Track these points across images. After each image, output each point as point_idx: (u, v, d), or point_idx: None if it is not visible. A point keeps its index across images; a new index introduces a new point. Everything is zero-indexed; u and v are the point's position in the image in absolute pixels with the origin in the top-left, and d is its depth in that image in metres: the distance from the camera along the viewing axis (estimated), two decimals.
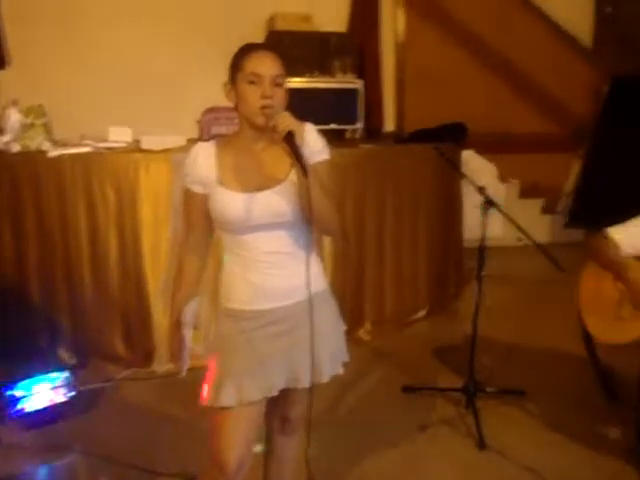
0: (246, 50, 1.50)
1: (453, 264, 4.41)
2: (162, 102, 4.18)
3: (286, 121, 1.39)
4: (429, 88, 5.86)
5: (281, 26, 5.34)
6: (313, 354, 1.54)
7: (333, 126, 5.40)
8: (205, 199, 1.54)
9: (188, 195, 1.57)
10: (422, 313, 3.93)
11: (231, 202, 1.49)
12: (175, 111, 4.00)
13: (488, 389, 2.78)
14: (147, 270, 3.07)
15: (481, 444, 2.42)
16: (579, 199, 6.15)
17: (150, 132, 3.26)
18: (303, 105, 5.12)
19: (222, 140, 1.59)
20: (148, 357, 3.10)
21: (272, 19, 5.38)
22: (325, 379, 1.64)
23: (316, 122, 5.88)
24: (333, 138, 5.20)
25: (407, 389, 2.89)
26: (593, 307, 2.40)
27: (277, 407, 1.70)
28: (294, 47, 5.33)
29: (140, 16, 4.44)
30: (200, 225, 1.60)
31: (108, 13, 4.41)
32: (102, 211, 3.06)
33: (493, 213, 2.68)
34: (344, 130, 5.42)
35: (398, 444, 2.47)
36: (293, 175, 1.50)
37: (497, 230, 6.49)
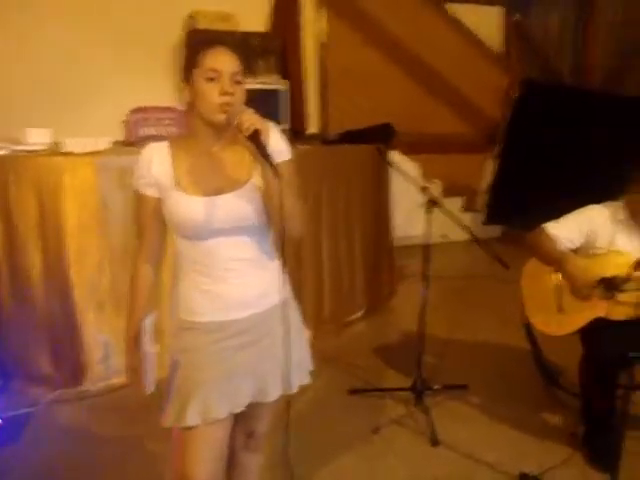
0: (202, 46, 1.40)
1: (386, 263, 4.47)
2: (83, 102, 3.94)
3: (251, 119, 1.31)
4: (350, 89, 5.93)
5: (201, 24, 5.18)
6: (289, 362, 1.48)
7: None
8: (159, 203, 1.44)
9: (141, 199, 1.45)
10: (360, 313, 3.95)
11: (190, 206, 1.39)
12: (97, 112, 3.78)
13: (434, 386, 2.81)
14: (74, 280, 2.84)
15: (434, 441, 2.44)
16: (494, 197, 6.44)
17: (71, 134, 3.04)
18: None
19: (176, 141, 1.48)
20: (78, 375, 2.87)
21: (192, 17, 5.21)
22: (294, 389, 1.58)
23: None
24: None
25: (354, 392, 2.87)
26: (536, 301, 2.49)
27: (241, 422, 1.60)
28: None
29: (59, 15, 4.19)
30: (153, 231, 1.49)
31: (25, 13, 4.10)
32: (21, 218, 2.80)
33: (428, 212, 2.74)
34: None
35: (353, 447, 2.45)
36: (255, 177, 1.43)
37: (421, 228, 6.72)
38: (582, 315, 2.33)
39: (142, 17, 4.70)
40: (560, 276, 2.41)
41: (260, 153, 1.31)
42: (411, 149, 6.14)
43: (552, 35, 6.40)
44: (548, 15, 6.42)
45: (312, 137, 5.64)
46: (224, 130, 1.42)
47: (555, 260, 2.41)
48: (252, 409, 1.54)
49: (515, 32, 6.70)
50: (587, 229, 2.41)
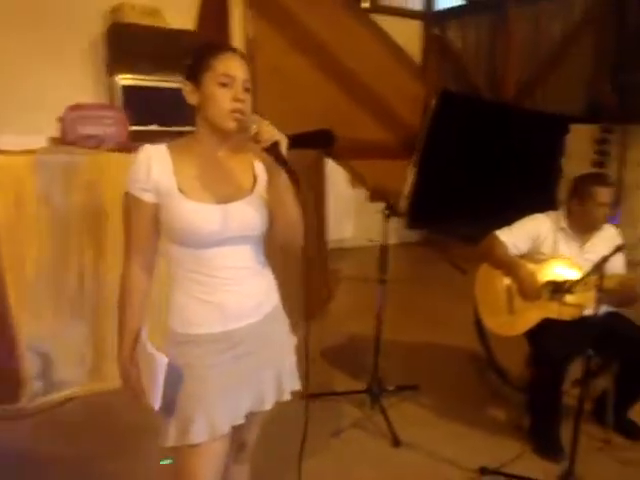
0: (214, 50, 1.36)
1: (323, 267, 4.51)
2: (12, 99, 3.62)
3: (271, 130, 1.29)
4: (278, 92, 5.92)
5: (127, 18, 4.96)
6: (283, 369, 1.50)
7: (187, 128, 5.19)
8: (155, 209, 1.37)
9: (136, 204, 1.37)
10: (299, 319, 3.94)
11: (203, 214, 1.34)
12: (28, 109, 3.49)
13: (389, 387, 2.89)
14: (9, 289, 2.62)
15: (395, 442, 2.51)
16: (415, 202, 6.72)
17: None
18: (152, 105, 4.83)
19: (176, 145, 1.42)
20: (14, 392, 2.64)
21: (116, 10, 4.99)
22: (287, 396, 1.58)
23: (167, 124, 5.58)
24: None
25: (311, 396, 2.86)
26: (489, 304, 2.63)
27: (233, 435, 1.56)
28: (142, 42, 5.01)
29: None
30: (147, 237, 1.41)
31: None
32: None
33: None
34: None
35: (314, 453, 2.44)
36: (259, 187, 1.43)
37: (349, 231, 6.86)
38: (532, 316, 2.49)
39: (62, 9, 4.45)
40: (510, 280, 2.57)
41: (280, 164, 1.30)
42: (337, 154, 6.23)
43: (469, 49, 6.78)
44: (465, 30, 6.79)
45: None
46: (229, 137, 1.39)
47: (506, 265, 2.56)
48: (246, 420, 1.51)
49: (433, 45, 7.03)
50: (533, 236, 2.58)
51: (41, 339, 2.69)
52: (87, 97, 4.95)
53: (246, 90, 1.36)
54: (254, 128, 1.29)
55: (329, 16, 6.22)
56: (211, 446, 1.39)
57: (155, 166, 1.35)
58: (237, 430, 1.51)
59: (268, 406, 1.52)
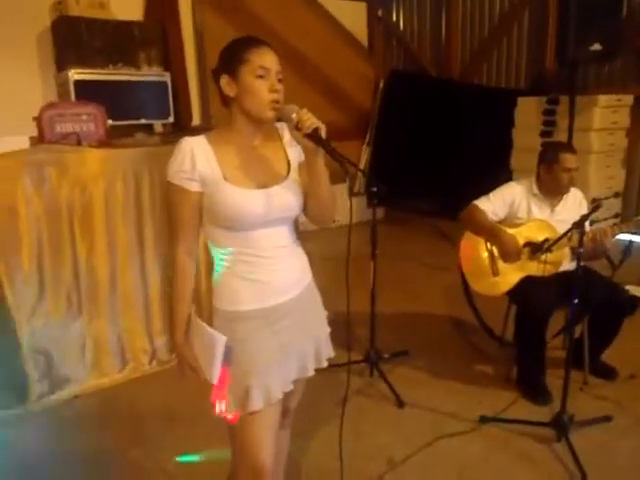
0: (247, 43, 1.45)
1: None
2: None
3: (311, 118, 1.40)
4: None
5: (72, 11, 4.84)
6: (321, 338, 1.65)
7: (143, 121, 5.15)
8: (200, 198, 1.46)
9: (182, 194, 1.45)
10: None
11: (249, 199, 1.44)
12: None
13: (384, 355, 3.06)
14: (6, 290, 2.61)
15: (400, 403, 2.69)
16: (371, 181, 6.89)
17: None
18: (108, 98, 4.79)
19: (213, 136, 1.50)
20: (21, 393, 2.65)
21: (62, 2, 4.84)
22: (325, 363, 1.71)
23: (124, 117, 5.52)
24: (144, 133, 4.95)
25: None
26: (474, 269, 2.83)
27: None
28: (92, 35, 4.92)
29: None
30: (193, 225, 1.51)
31: None
32: None
33: None
34: (151, 125, 5.21)
35: (328, 421, 2.58)
36: (292, 171, 1.54)
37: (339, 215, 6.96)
38: (514, 276, 2.72)
39: (6, 4, 4.33)
40: (491, 245, 2.78)
41: (324, 148, 1.40)
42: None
43: (413, 29, 6.97)
44: (408, 10, 6.97)
45: (197, 130, 5.55)
46: (263, 126, 1.49)
47: (487, 231, 2.77)
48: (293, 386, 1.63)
49: (378, 27, 7.19)
50: (509, 202, 2.80)
51: (41, 337, 2.70)
52: (38, 94, 4.84)
53: (279, 81, 1.45)
54: (295, 117, 1.39)
55: (276, 1, 6.25)
56: (268, 412, 1.51)
57: (199, 157, 1.43)
58: (284, 396, 1.63)
59: (310, 373, 1.64)
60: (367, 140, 7.29)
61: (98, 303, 2.85)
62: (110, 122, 4.64)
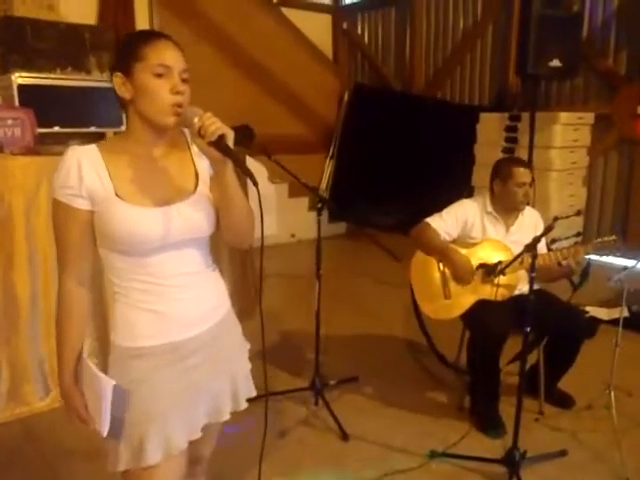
0: (144, 37, 1.24)
1: (249, 265, 4.41)
2: None
3: (215, 123, 1.19)
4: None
5: (19, 11, 4.61)
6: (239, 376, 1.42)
7: (93, 129, 4.90)
8: (90, 217, 1.25)
9: (68, 212, 1.24)
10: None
11: (143, 219, 1.23)
12: None
13: (331, 382, 2.87)
14: None
15: (344, 436, 2.49)
16: (334, 196, 6.76)
17: None
18: (53, 104, 4.53)
19: (107, 144, 1.30)
20: None
21: (6, 2, 4.60)
22: (243, 405, 1.51)
23: (73, 124, 5.25)
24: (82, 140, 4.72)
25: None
26: (424, 291, 2.67)
27: (188, 449, 1.47)
28: (39, 38, 4.68)
29: None
30: (83, 250, 1.29)
31: None
32: None
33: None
34: (104, 133, 4.97)
35: (266, 455, 2.37)
36: (202, 185, 1.33)
37: (271, 228, 6.77)
38: (467, 299, 2.56)
39: None
40: (443, 266, 2.62)
41: (230, 158, 1.21)
42: (253, 150, 6.13)
43: (377, 43, 6.89)
44: (373, 24, 6.89)
45: None
46: (165, 133, 1.29)
47: (438, 251, 2.61)
48: (203, 432, 1.42)
49: (343, 39, 7.09)
50: (463, 221, 2.65)
51: None
52: None
53: (184, 81, 1.25)
54: (197, 122, 1.19)
55: (237, 8, 6.10)
56: (168, 465, 1.30)
57: (87, 169, 1.22)
58: (193, 444, 1.42)
59: (225, 416, 1.44)
60: (331, 153, 7.15)
61: (14, 324, 2.59)
62: (57, 129, 4.42)
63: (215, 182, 1.30)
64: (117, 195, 1.23)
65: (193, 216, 1.29)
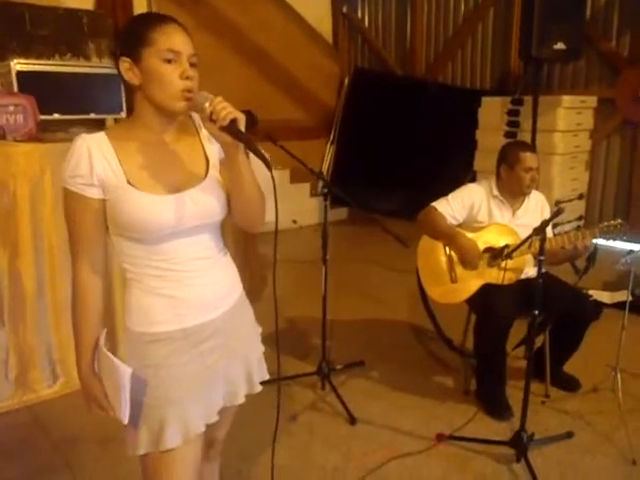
0: (151, 21, 1.22)
1: (253, 252, 4.42)
2: None
3: (226, 107, 1.17)
4: None
5: None
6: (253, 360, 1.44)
7: (93, 115, 4.87)
8: (102, 205, 1.24)
9: (80, 202, 1.22)
10: None
11: (156, 206, 1.22)
12: None
13: (337, 366, 2.88)
14: None
15: (351, 419, 2.51)
16: (335, 180, 6.74)
17: None
18: (54, 91, 4.50)
19: (115, 132, 1.28)
20: None
21: None
22: (257, 388, 1.52)
23: (73, 111, 5.23)
24: (95, 128, 4.69)
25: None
26: (431, 275, 2.67)
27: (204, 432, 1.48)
28: (38, 23, 4.64)
29: None
30: (97, 237, 1.28)
31: None
32: None
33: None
34: (104, 119, 4.94)
35: (277, 439, 2.39)
36: (212, 170, 1.33)
37: (271, 214, 6.76)
38: (474, 283, 2.56)
39: None
40: (449, 250, 2.62)
41: (242, 142, 1.20)
42: (257, 135, 6.10)
43: (378, 27, 6.83)
44: (373, 8, 6.82)
45: None
46: (175, 118, 1.28)
47: (445, 235, 2.61)
48: (219, 415, 1.43)
49: (343, 24, 7.03)
50: (469, 205, 2.65)
51: None
52: None
53: (193, 65, 1.24)
54: (208, 107, 1.18)
55: None
56: (187, 449, 1.31)
57: (97, 157, 1.21)
58: (208, 427, 1.42)
59: (240, 400, 1.45)
60: (331, 138, 7.12)
61: (22, 312, 2.59)
62: (56, 116, 4.39)
63: (226, 166, 1.29)
64: (129, 183, 1.22)
65: (205, 201, 1.28)
